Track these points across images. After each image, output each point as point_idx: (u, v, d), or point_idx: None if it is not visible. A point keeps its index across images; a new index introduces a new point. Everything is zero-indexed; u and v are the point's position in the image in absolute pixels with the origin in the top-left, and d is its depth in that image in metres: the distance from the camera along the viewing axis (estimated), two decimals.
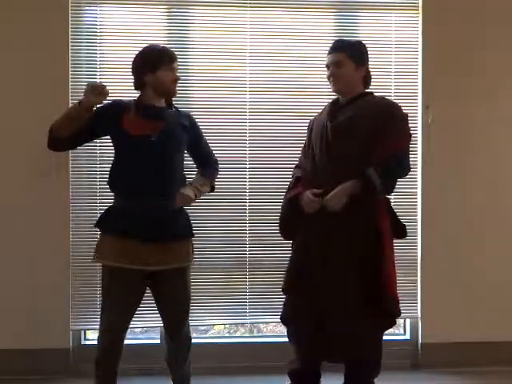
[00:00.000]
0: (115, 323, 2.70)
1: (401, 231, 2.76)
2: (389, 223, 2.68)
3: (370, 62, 3.55)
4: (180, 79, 2.81)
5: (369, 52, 3.56)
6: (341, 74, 2.68)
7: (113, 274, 2.69)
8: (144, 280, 2.72)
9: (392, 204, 3.55)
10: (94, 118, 2.68)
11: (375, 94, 2.79)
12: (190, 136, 2.83)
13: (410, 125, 2.73)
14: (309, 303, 2.66)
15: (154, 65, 2.69)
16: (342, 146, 2.61)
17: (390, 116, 2.62)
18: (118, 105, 2.76)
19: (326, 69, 2.76)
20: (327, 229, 2.63)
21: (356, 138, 2.60)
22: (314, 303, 2.65)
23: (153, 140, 2.67)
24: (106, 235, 2.73)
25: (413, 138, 3.56)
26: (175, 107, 2.85)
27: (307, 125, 2.94)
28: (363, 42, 2.83)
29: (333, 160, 2.65)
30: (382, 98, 2.78)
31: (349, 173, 2.58)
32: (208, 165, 2.98)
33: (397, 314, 2.68)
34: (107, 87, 2.59)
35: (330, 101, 2.86)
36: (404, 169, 2.68)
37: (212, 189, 3.00)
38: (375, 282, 2.57)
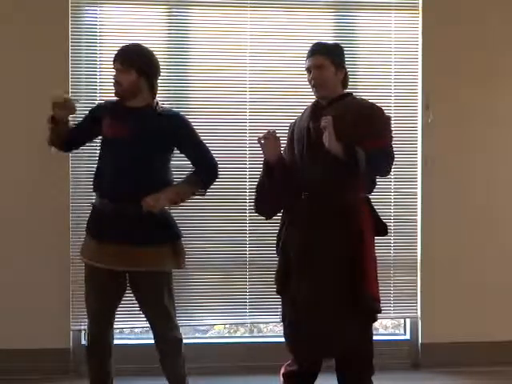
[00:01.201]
0: (95, 323, 2.78)
1: (382, 230, 2.76)
2: (370, 222, 2.69)
3: (369, 62, 3.62)
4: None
5: (369, 52, 3.62)
6: (323, 76, 2.69)
7: (89, 274, 2.78)
8: (119, 279, 2.75)
9: (392, 204, 3.63)
10: (90, 118, 2.79)
11: (354, 95, 2.81)
12: (172, 138, 2.75)
13: (392, 126, 2.73)
14: (296, 302, 2.69)
15: None
16: (324, 146, 2.59)
17: (370, 117, 2.64)
18: (103, 106, 2.85)
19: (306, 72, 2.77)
20: (309, 228, 2.65)
21: (338, 138, 2.60)
22: (300, 302, 2.67)
23: (119, 142, 2.70)
24: (86, 234, 2.84)
25: (413, 138, 3.64)
26: (160, 108, 2.79)
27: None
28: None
29: (313, 160, 2.67)
30: (362, 99, 2.80)
31: (329, 173, 2.60)
32: (197, 168, 2.83)
33: (376, 311, 2.68)
34: (72, 101, 2.71)
35: (311, 103, 2.86)
36: (383, 166, 2.67)
37: (200, 192, 2.86)
38: (354, 281, 2.59)
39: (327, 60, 2.69)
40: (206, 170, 2.83)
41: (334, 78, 2.71)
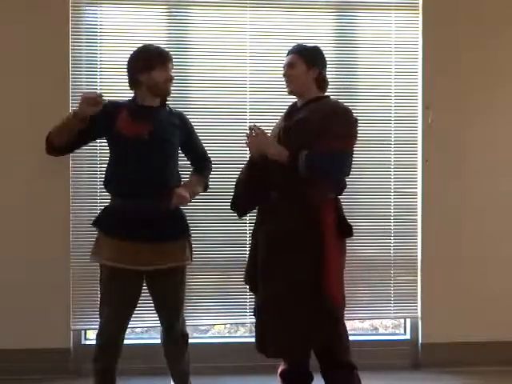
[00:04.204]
0: (113, 322, 2.73)
1: (346, 231, 2.75)
2: (334, 222, 2.69)
3: (370, 62, 3.62)
4: (175, 79, 2.82)
5: (369, 52, 3.62)
6: (293, 74, 2.79)
7: (111, 275, 2.71)
8: (140, 279, 2.76)
9: (392, 204, 3.63)
10: (90, 120, 2.68)
11: (331, 97, 2.84)
12: (182, 134, 2.86)
13: (355, 129, 2.73)
14: (262, 301, 2.73)
15: (149, 65, 2.72)
16: (291, 145, 2.65)
17: (333, 117, 2.66)
18: (112, 106, 2.79)
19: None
20: (274, 228, 2.68)
21: (303, 138, 2.64)
22: (265, 301, 2.71)
23: (145, 140, 2.70)
24: (104, 235, 2.76)
25: (413, 139, 3.64)
26: (168, 106, 2.87)
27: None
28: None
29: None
30: (336, 101, 2.83)
31: (294, 173, 2.61)
32: (202, 163, 3.00)
33: (334, 312, 2.67)
34: (102, 95, 2.63)
35: (290, 104, 2.93)
36: (337, 168, 2.67)
37: (205, 188, 3.00)
38: (315, 281, 2.61)
39: (299, 59, 2.77)
40: (208, 166, 3.02)
41: (303, 75, 2.77)
